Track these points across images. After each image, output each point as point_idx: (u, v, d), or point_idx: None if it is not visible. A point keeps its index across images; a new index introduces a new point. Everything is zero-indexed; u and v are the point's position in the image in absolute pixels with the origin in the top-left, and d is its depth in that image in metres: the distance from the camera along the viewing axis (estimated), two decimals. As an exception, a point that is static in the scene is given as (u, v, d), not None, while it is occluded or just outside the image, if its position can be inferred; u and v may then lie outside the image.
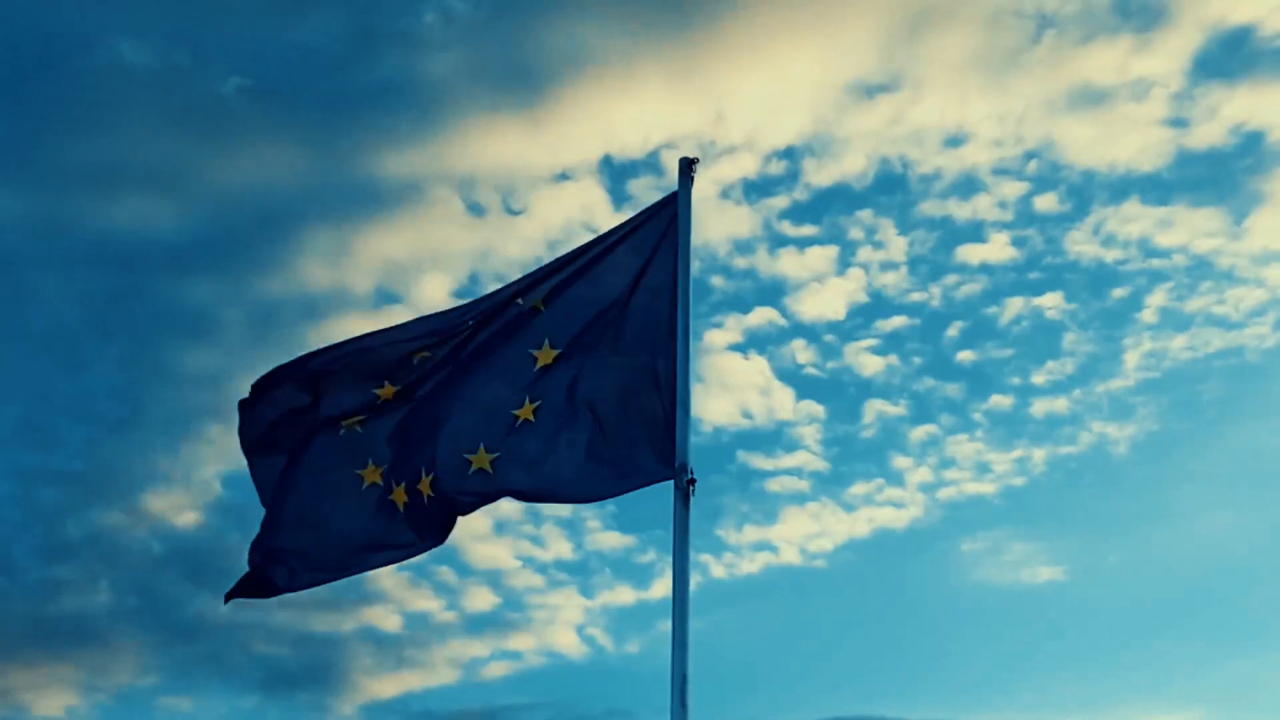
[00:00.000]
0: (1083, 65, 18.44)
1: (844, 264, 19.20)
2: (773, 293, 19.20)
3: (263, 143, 18.47)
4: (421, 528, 6.62)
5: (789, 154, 18.76)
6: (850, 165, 18.77)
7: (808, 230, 19.11)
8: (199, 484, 18.20)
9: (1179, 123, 18.57)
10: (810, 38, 18.07)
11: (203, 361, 18.95)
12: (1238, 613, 18.79)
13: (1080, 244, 19.15)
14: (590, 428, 6.51)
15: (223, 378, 18.72)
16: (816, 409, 19.27)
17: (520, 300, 6.70)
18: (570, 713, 16.68)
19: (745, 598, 18.91)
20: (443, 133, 18.36)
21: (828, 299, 19.17)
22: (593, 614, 18.19)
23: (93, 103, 18.11)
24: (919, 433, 19.48)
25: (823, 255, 19.11)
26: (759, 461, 18.93)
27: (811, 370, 19.39)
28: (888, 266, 19.22)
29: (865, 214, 19.19)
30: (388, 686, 17.58)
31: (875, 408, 19.34)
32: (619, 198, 18.16)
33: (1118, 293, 19.37)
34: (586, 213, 18.20)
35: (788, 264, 19.14)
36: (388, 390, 6.75)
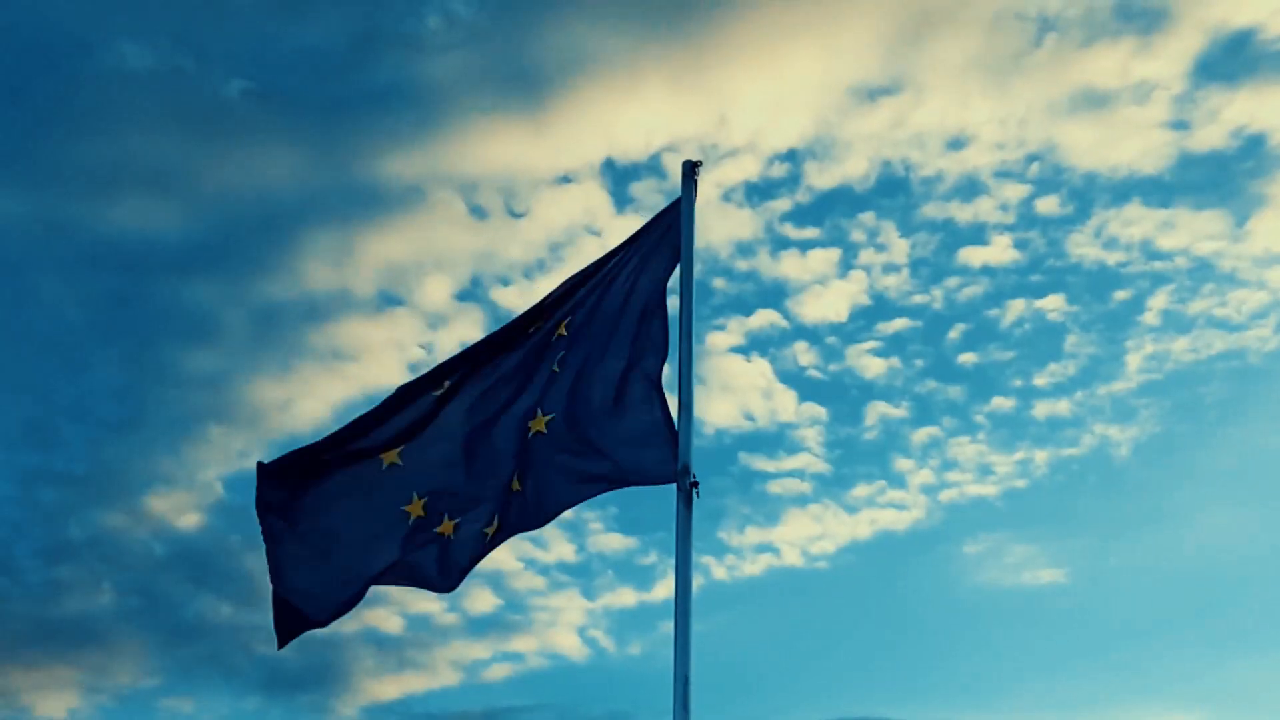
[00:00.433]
0: (1084, 68, 18.48)
1: (846, 266, 19.23)
2: (775, 295, 19.23)
3: (265, 145, 18.50)
4: (453, 567, 6.74)
5: (791, 156, 18.80)
6: (852, 168, 18.81)
7: (810, 233, 19.14)
8: (200, 485, 18.24)
9: (1181, 125, 18.61)
10: (812, 41, 18.10)
11: (204, 363, 19.00)
12: (1239, 614, 18.82)
13: (1082, 246, 19.18)
14: (592, 428, 6.55)
15: (224, 379, 18.78)
16: (818, 411, 19.29)
17: (547, 326, 6.76)
18: (572, 715, 16.70)
19: (747, 599, 18.94)
20: (445, 135, 18.40)
21: (830, 301, 19.20)
22: (594, 616, 18.21)
23: (95, 105, 18.15)
24: (921, 435, 19.51)
25: (825, 258, 19.15)
26: (761, 463, 18.96)
27: (813, 372, 19.42)
28: (890, 269, 19.25)
29: (867, 216, 19.22)
30: (389, 688, 17.58)
31: (877, 410, 19.37)
32: (621, 200, 18.20)
33: (1120, 295, 19.40)
34: (588, 215, 18.24)
35: (790, 266, 19.18)
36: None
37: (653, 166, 17.72)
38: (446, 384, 6.70)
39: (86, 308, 19.18)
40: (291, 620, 6.57)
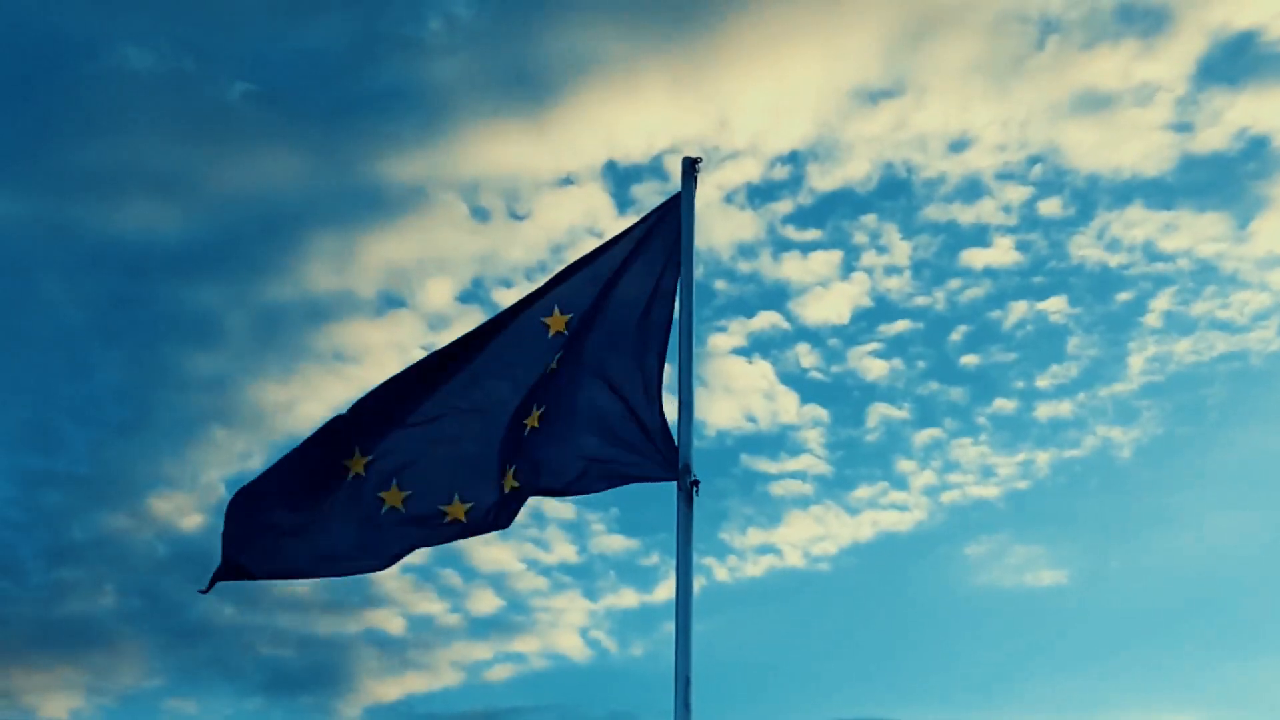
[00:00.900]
0: (1087, 70, 18.49)
1: (848, 268, 19.24)
2: (776, 297, 19.24)
3: (267, 147, 18.53)
4: (401, 539, 6.60)
5: (793, 158, 18.80)
6: (854, 170, 18.82)
7: (811, 235, 19.15)
8: (203, 487, 18.24)
9: (1183, 127, 18.61)
10: (814, 43, 18.12)
11: (207, 365, 19.02)
12: (1241, 616, 18.80)
13: (1084, 248, 19.18)
14: (593, 427, 6.56)
15: (227, 382, 18.80)
16: (820, 412, 19.30)
17: (544, 321, 6.73)
18: (574, 715, 16.70)
19: (749, 601, 18.93)
20: (447, 138, 18.42)
21: (831, 303, 19.21)
22: (596, 617, 18.22)
23: (98, 107, 18.18)
24: (923, 436, 19.51)
25: (826, 259, 19.15)
26: (763, 465, 18.96)
27: (815, 374, 19.42)
28: (891, 271, 19.26)
29: (869, 218, 19.23)
30: (391, 689, 17.60)
31: (879, 411, 19.37)
32: (623, 202, 18.21)
33: (1122, 297, 19.40)
34: (590, 217, 18.26)
35: (791, 268, 19.19)
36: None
37: (654, 168, 17.74)
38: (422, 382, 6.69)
39: (89, 309, 19.23)
40: (230, 569, 6.55)
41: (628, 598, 18.45)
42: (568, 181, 18.43)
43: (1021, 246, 19.26)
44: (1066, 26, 18.49)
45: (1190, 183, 18.97)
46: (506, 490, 6.58)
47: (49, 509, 18.62)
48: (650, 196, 17.46)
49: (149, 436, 19.02)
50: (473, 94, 18.45)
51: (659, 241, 6.73)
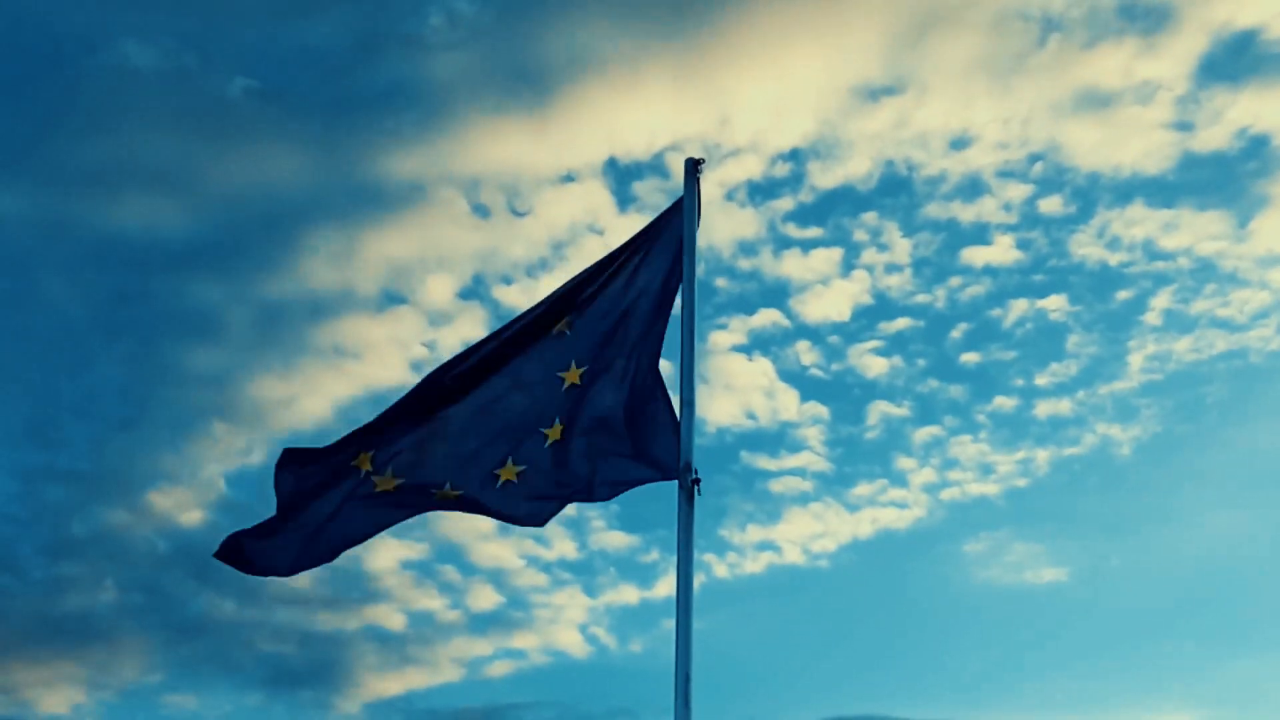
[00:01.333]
0: (1088, 68, 18.50)
1: (848, 266, 19.26)
2: (777, 294, 19.26)
3: (268, 144, 18.54)
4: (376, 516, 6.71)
5: (794, 156, 18.82)
6: (855, 168, 18.84)
7: (812, 232, 19.17)
8: (203, 482, 18.27)
9: (1184, 126, 18.62)
10: (815, 41, 18.12)
11: (208, 361, 19.04)
12: (1240, 614, 18.83)
13: (1085, 246, 19.20)
14: (602, 430, 6.58)
15: (227, 377, 18.82)
16: (820, 410, 19.32)
17: (549, 325, 6.78)
18: (573, 712, 16.72)
19: (748, 597, 18.97)
20: (448, 134, 18.43)
21: (832, 301, 19.23)
22: (596, 613, 18.24)
23: (99, 103, 18.19)
24: (922, 434, 19.53)
25: (827, 257, 19.17)
26: (763, 462, 18.99)
27: (815, 371, 19.45)
28: (892, 269, 19.28)
29: (870, 216, 19.25)
30: (392, 685, 17.63)
31: (879, 409, 19.40)
32: (624, 200, 18.22)
33: (1122, 295, 19.42)
34: (591, 215, 18.27)
35: (792, 266, 19.20)
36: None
37: (655, 166, 17.76)
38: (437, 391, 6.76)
39: (90, 306, 19.25)
40: (237, 558, 6.76)
41: (628, 594, 18.49)
42: (569, 178, 18.46)
43: (1022, 244, 19.30)
44: (1068, 25, 18.52)
45: (1191, 181, 19.01)
46: (501, 482, 6.61)
47: (49, 504, 18.66)
48: (651, 194, 17.47)
49: (149, 432, 19.07)
50: (474, 90, 18.48)
51: (665, 244, 6.78)
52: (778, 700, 17.39)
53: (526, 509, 6.64)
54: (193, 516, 18.11)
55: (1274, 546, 19.11)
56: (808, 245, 19.10)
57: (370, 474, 6.69)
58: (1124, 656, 18.56)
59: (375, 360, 18.21)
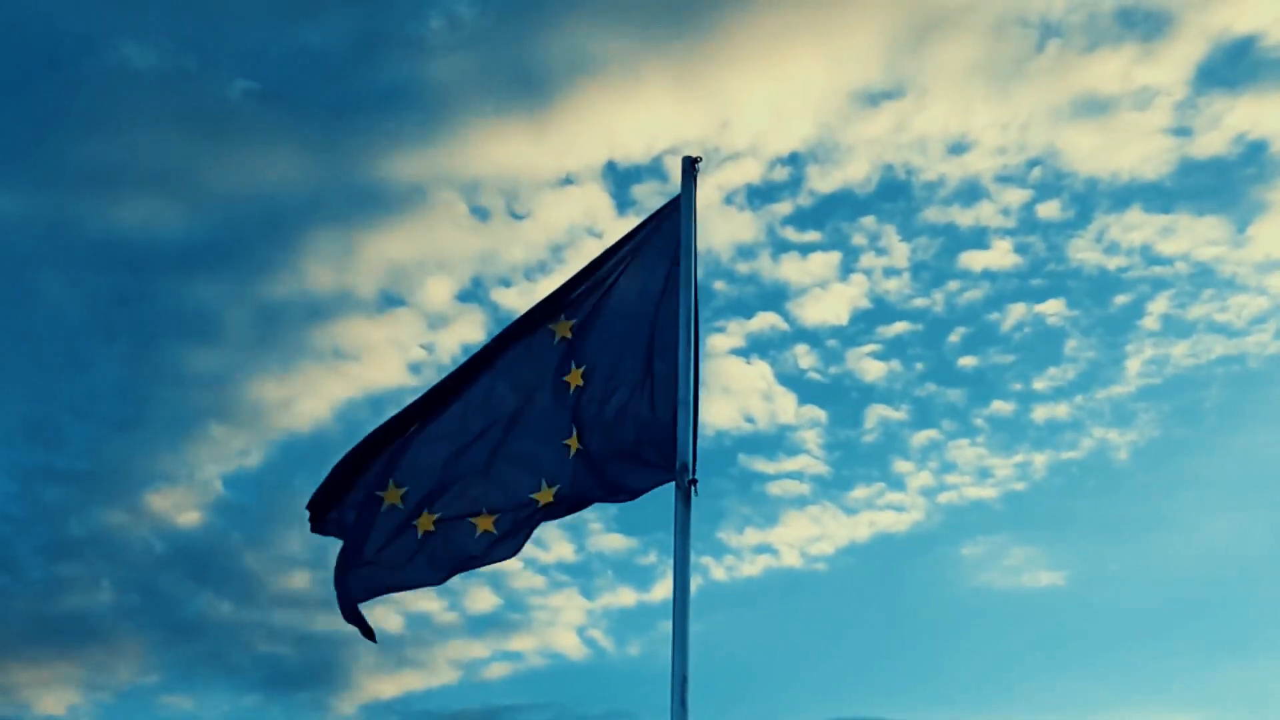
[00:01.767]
0: (1086, 74, 18.52)
1: (847, 270, 19.28)
2: (775, 298, 19.29)
3: (268, 145, 18.55)
4: (438, 562, 6.74)
5: (793, 160, 18.84)
6: (854, 172, 18.86)
7: (811, 236, 19.19)
8: (201, 484, 18.29)
9: (1182, 131, 18.65)
10: (815, 45, 18.15)
11: (206, 362, 19.06)
12: (1237, 618, 18.84)
13: (1083, 251, 19.22)
14: (607, 432, 6.60)
15: (226, 379, 18.84)
16: (818, 413, 19.34)
17: (551, 328, 6.80)
18: (570, 714, 16.72)
19: (746, 600, 18.98)
20: (448, 137, 18.44)
21: (830, 304, 19.26)
22: (594, 615, 18.25)
23: (98, 104, 18.20)
24: (920, 437, 19.55)
25: (825, 261, 19.20)
26: (760, 465, 19.01)
27: (813, 375, 19.47)
28: (890, 272, 19.30)
29: (868, 220, 19.27)
30: (388, 686, 17.63)
31: (877, 412, 19.42)
32: (623, 203, 18.24)
33: (1120, 300, 19.45)
34: (590, 218, 18.29)
35: (790, 269, 19.23)
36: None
37: (654, 169, 17.77)
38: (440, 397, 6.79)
39: (89, 306, 19.26)
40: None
41: (625, 596, 18.50)
42: (568, 181, 18.48)
43: (1020, 249, 19.32)
44: (1067, 30, 18.54)
45: (1189, 186, 19.04)
46: (541, 505, 6.65)
47: (48, 504, 18.68)
48: (650, 197, 17.49)
49: (148, 433, 19.08)
50: (473, 93, 18.49)
51: (661, 243, 6.77)
52: (775, 703, 17.40)
53: (553, 515, 6.70)
54: (190, 517, 18.14)
55: (1271, 550, 19.15)
56: (806, 249, 19.15)
57: (406, 514, 6.69)
58: (1121, 660, 18.58)
59: (374, 362, 18.25)
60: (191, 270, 18.83)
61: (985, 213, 19.09)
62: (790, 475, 18.97)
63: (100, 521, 18.60)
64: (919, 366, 19.64)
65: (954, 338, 19.61)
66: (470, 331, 17.99)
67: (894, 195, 19.32)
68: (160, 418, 19.07)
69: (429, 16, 18.60)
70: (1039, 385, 19.56)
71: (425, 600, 17.80)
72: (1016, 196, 19.01)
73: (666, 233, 6.79)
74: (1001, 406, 19.60)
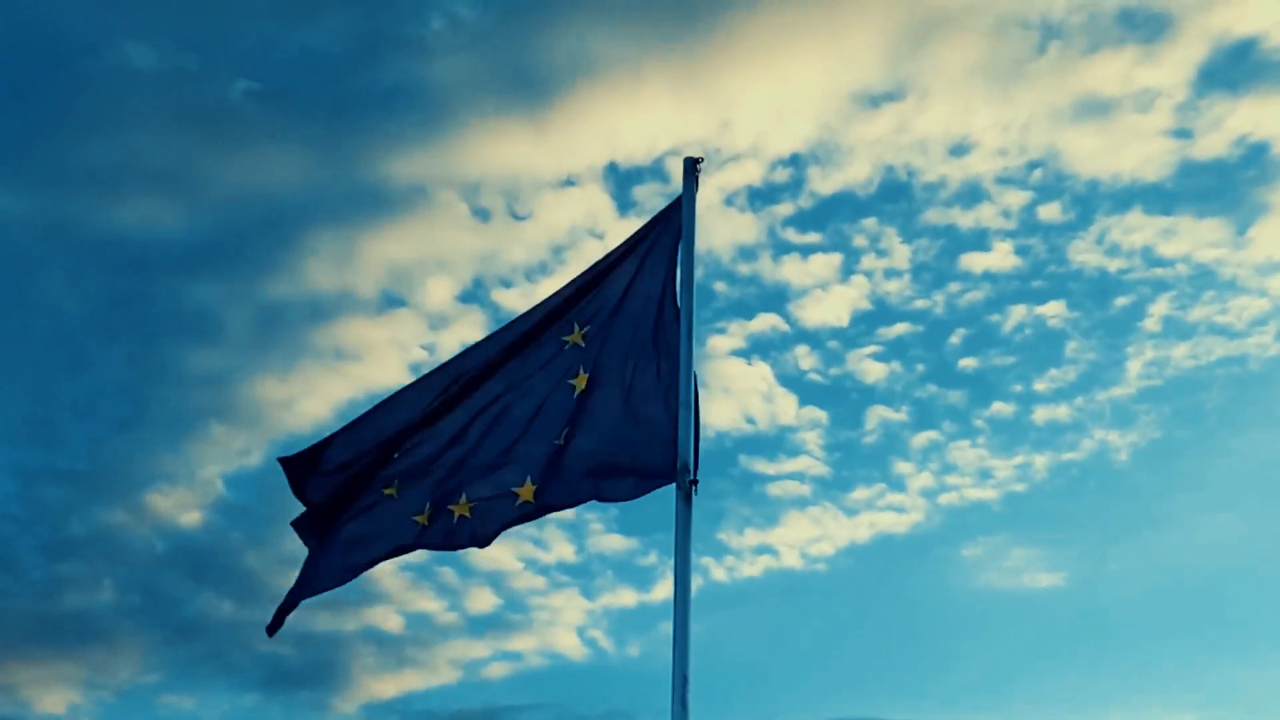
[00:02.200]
0: (1087, 76, 18.53)
1: (847, 271, 19.29)
2: (776, 299, 19.30)
3: (269, 146, 18.56)
4: (434, 538, 6.82)
5: (794, 161, 18.85)
6: (855, 173, 18.87)
7: (812, 237, 19.20)
8: (202, 483, 18.29)
9: (1183, 134, 18.65)
10: (816, 46, 18.15)
11: (207, 362, 19.07)
12: (1238, 619, 18.85)
13: (1083, 253, 19.23)
14: (606, 433, 6.61)
15: (226, 379, 18.84)
16: (819, 414, 19.35)
17: (564, 340, 6.84)
18: (570, 714, 16.74)
19: (746, 600, 18.99)
20: (449, 137, 18.45)
21: (831, 305, 19.27)
22: (594, 616, 18.26)
23: (99, 105, 18.20)
24: (921, 439, 19.56)
25: (826, 262, 19.20)
26: (761, 466, 19.02)
27: (814, 376, 19.48)
28: (891, 274, 19.31)
29: (869, 222, 19.28)
30: (389, 686, 17.64)
31: (877, 414, 19.43)
32: (624, 204, 18.25)
33: (1120, 301, 19.46)
34: (591, 219, 18.30)
35: (791, 271, 19.24)
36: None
37: (655, 170, 17.78)
38: (443, 396, 6.85)
39: (90, 306, 19.27)
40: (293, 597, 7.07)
41: (625, 597, 18.52)
42: (569, 182, 18.49)
43: (1021, 251, 19.33)
44: (1068, 31, 18.55)
45: (1190, 188, 19.05)
46: (519, 501, 6.66)
47: (48, 504, 18.69)
48: (651, 198, 17.49)
49: (148, 433, 19.09)
50: (475, 94, 18.50)
51: (664, 245, 6.79)
52: (775, 703, 17.41)
53: (532, 509, 6.71)
54: (191, 517, 18.14)
55: (1271, 552, 19.16)
56: (807, 250, 19.15)
57: (408, 511, 6.83)
58: (1121, 661, 18.59)
59: (374, 362, 18.24)
60: (192, 270, 18.86)
61: (986, 214, 19.12)
62: (791, 476, 19.00)
63: (101, 521, 18.63)
64: (920, 368, 19.67)
65: (955, 339, 19.64)
66: (471, 332, 18.01)
67: (895, 197, 19.35)
68: (161, 418, 19.10)
69: (430, 17, 18.63)
70: (1040, 387, 19.59)
71: (425, 600, 17.82)
72: (1017, 198, 19.05)
73: (670, 235, 6.81)
74: (1002, 408, 19.63)
